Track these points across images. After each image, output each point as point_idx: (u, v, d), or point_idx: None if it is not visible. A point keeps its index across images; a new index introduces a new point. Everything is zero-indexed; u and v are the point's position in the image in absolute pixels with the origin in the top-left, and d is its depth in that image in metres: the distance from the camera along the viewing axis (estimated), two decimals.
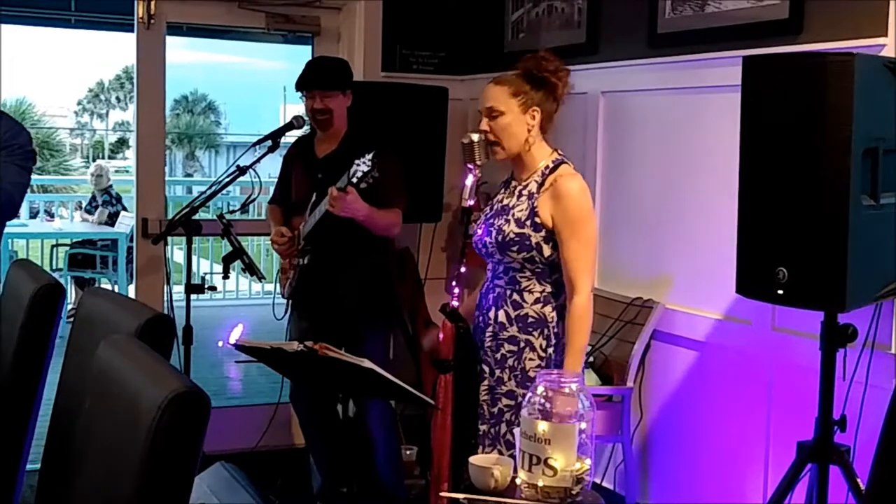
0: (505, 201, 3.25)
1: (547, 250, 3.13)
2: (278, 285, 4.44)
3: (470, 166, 3.15)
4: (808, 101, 2.78)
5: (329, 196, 3.83)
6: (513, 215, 3.18)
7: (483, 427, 3.23)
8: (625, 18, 4.34)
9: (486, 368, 3.24)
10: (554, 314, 3.18)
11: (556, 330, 3.18)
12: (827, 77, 2.74)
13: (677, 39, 4.01)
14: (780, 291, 2.85)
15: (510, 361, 3.19)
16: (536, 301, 3.17)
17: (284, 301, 4.41)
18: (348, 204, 3.83)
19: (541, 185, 3.18)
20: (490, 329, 3.23)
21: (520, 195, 3.22)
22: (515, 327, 3.18)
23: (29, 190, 4.17)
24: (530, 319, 3.17)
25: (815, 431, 3.00)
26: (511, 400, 3.17)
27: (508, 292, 3.20)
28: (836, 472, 2.97)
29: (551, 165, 3.21)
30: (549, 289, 3.18)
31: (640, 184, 4.27)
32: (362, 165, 3.65)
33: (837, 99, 2.72)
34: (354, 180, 3.67)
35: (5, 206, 3.82)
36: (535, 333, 3.17)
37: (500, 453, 3.14)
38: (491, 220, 3.24)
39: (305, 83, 4.17)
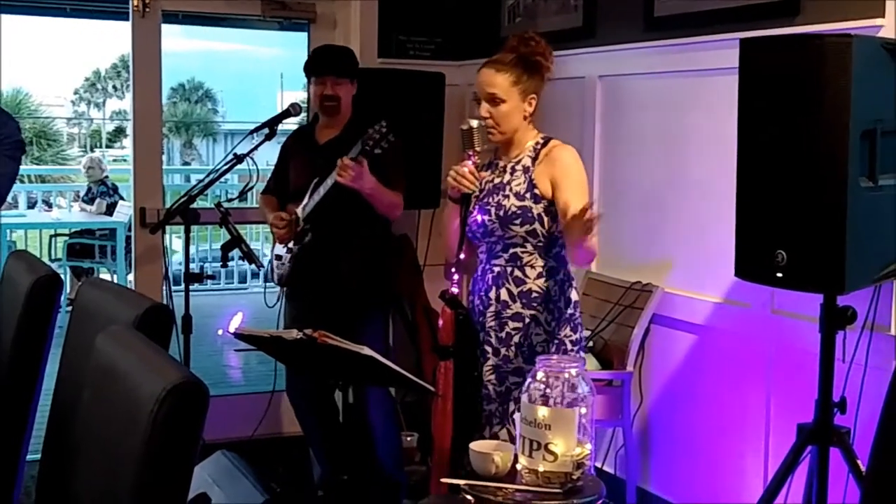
0: (497, 180, 3.26)
1: (547, 222, 3.17)
2: (269, 272, 4.42)
3: (469, 153, 3.15)
4: (805, 82, 2.77)
5: (339, 166, 3.82)
6: (510, 190, 3.20)
7: (490, 407, 3.25)
8: (621, 2, 4.32)
9: (489, 349, 3.25)
10: (556, 288, 3.21)
11: (559, 304, 3.21)
12: (824, 59, 2.73)
13: (674, 22, 4.00)
14: (779, 274, 2.85)
15: (516, 338, 3.21)
16: (539, 276, 3.20)
17: (277, 288, 4.39)
18: (359, 174, 3.83)
19: (535, 158, 3.23)
20: (492, 308, 3.25)
21: (513, 171, 3.24)
22: (519, 304, 3.20)
23: (27, 180, 4.18)
24: (534, 294, 3.19)
25: (815, 413, 3.00)
26: (519, 377, 3.18)
27: (510, 269, 3.22)
28: (836, 454, 2.97)
29: (542, 142, 3.27)
30: (550, 263, 3.21)
31: (638, 167, 4.26)
32: (378, 130, 3.66)
33: (835, 81, 2.72)
34: (370, 144, 3.67)
35: None
36: (540, 308, 3.20)
37: (510, 432, 3.15)
38: (486, 200, 3.24)
39: (318, 69, 4.17)
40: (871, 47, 2.83)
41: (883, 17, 3.17)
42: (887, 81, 2.87)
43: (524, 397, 2.64)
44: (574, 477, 2.59)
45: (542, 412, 2.57)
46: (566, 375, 2.63)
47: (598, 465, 4.25)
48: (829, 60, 2.72)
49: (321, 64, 4.20)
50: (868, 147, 2.81)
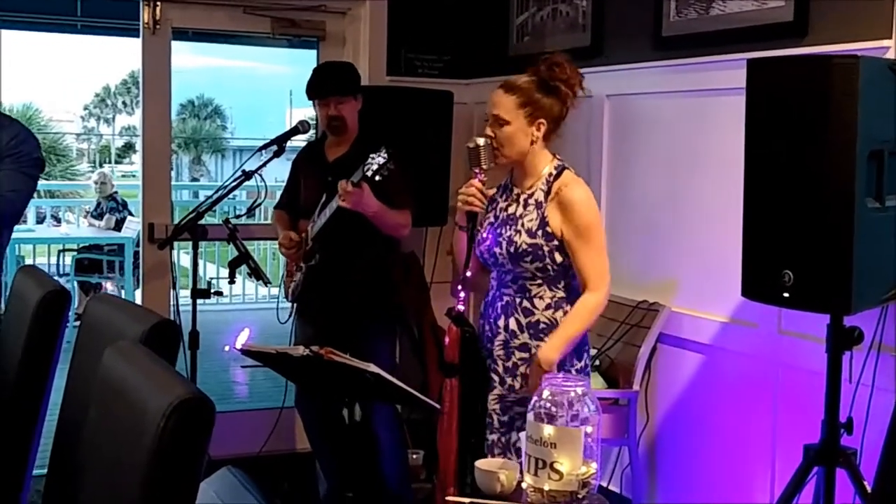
0: (510, 210, 3.23)
1: (559, 257, 3.14)
2: (282, 288, 4.44)
3: (476, 170, 3.15)
4: (812, 103, 2.77)
5: (341, 189, 3.83)
6: (522, 225, 3.16)
7: (492, 437, 3.23)
8: (629, 21, 4.34)
9: (496, 377, 3.23)
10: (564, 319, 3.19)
11: None
12: (831, 79, 2.74)
13: (682, 42, 4.01)
14: (786, 294, 2.85)
15: (521, 369, 3.19)
16: (548, 307, 3.17)
17: (289, 305, 4.41)
18: (360, 198, 3.84)
19: (547, 192, 3.17)
20: (500, 337, 3.23)
21: (526, 204, 3.20)
22: (527, 334, 3.18)
23: (35, 195, 4.17)
24: (542, 325, 3.17)
25: (822, 434, 2.99)
26: (523, 407, 3.16)
27: (518, 300, 3.20)
28: (842, 475, 2.96)
29: (554, 172, 3.20)
30: (560, 294, 3.18)
31: (645, 187, 4.27)
32: (378, 158, 3.65)
33: (842, 101, 2.72)
34: (370, 173, 3.66)
35: (6, 213, 3.82)
36: (547, 339, 3.17)
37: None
38: (498, 230, 3.21)
39: (319, 91, 4.18)
40: (877, 68, 2.83)
41: (890, 38, 3.18)
42: (894, 102, 2.87)
43: (530, 415, 2.64)
44: (580, 496, 2.58)
45: (548, 431, 2.56)
46: (572, 394, 2.62)
47: (604, 484, 4.24)
48: (836, 81, 2.73)
49: (321, 86, 4.19)
50: (875, 168, 2.81)
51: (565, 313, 3.17)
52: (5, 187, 3.78)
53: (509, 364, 3.21)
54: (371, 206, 3.91)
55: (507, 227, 3.20)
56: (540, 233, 3.13)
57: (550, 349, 3.09)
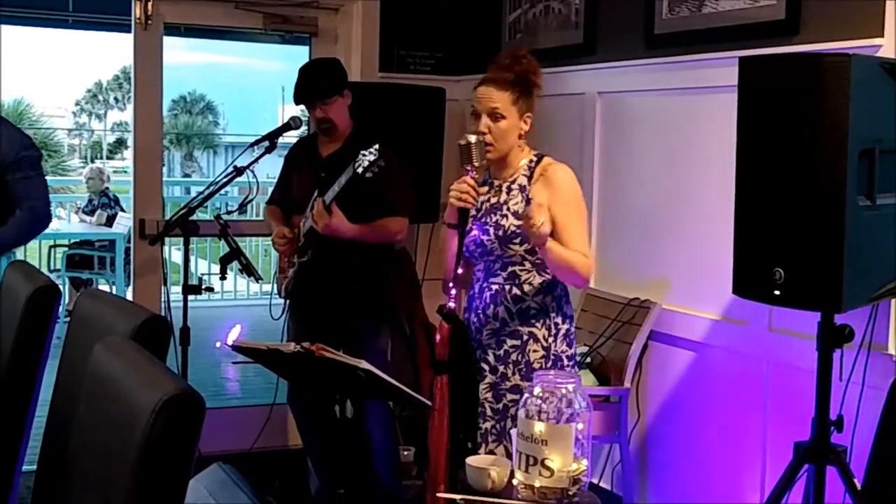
0: (493, 200, 3.26)
1: None
2: (275, 284, 4.44)
3: (467, 167, 3.15)
4: (804, 101, 2.77)
5: (314, 210, 3.82)
6: (508, 209, 3.21)
7: (486, 425, 3.25)
8: (622, 19, 4.34)
9: (486, 367, 3.25)
10: (554, 304, 3.22)
11: (555, 320, 3.22)
12: (823, 78, 2.74)
13: (674, 40, 4.01)
14: (777, 292, 2.85)
15: (514, 356, 3.21)
16: (537, 293, 3.21)
17: (281, 301, 4.40)
18: (330, 224, 3.85)
19: (530, 177, 3.24)
20: (489, 326, 3.25)
21: (509, 190, 3.24)
22: (517, 321, 3.21)
23: None
24: (532, 311, 3.20)
25: (812, 432, 3.00)
26: (516, 394, 3.18)
27: (508, 287, 3.22)
28: (832, 473, 2.97)
29: (535, 159, 3.27)
30: (548, 278, 3.22)
31: (637, 184, 4.27)
32: (368, 156, 3.65)
33: (834, 100, 2.72)
34: (360, 170, 3.65)
35: (45, 216, 4.01)
36: (538, 325, 3.20)
37: (507, 449, 3.15)
38: (483, 220, 3.25)
39: (302, 98, 4.17)
40: (869, 66, 2.83)
41: (882, 36, 3.19)
42: (886, 101, 2.88)
43: (521, 412, 2.64)
44: (570, 493, 2.59)
45: (539, 427, 2.57)
46: (563, 391, 2.63)
47: (595, 481, 4.25)
48: (828, 79, 2.73)
49: (304, 93, 4.17)
50: (866, 166, 2.81)
51: (553, 298, 3.21)
52: (34, 196, 3.91)
53: (500, 353, 3.24)
54: (344, 232, 3.93)
55: (493, 214, 3.23)
56: None
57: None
